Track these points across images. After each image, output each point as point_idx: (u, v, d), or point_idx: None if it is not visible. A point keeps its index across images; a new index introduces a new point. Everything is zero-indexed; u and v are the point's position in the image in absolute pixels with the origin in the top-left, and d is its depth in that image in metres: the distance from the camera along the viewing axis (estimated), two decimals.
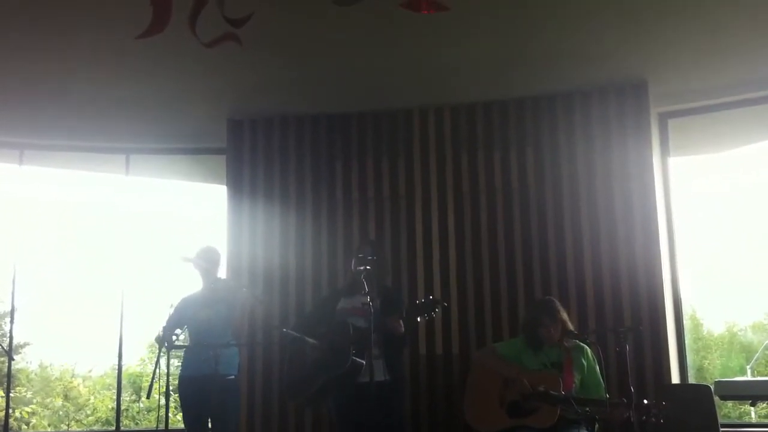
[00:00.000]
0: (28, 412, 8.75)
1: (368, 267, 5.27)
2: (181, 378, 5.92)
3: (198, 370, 5.69)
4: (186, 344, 5.99)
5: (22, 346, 8.35)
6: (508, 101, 6.79)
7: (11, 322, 7.54)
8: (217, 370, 5.56)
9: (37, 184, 8.07)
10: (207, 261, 6.00)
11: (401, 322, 5.25)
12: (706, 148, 7.22)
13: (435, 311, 5.16)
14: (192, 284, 6.13)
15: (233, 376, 5.87)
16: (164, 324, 5.69)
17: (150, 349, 9.13)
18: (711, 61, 6.06)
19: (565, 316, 5.41)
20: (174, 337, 5.64)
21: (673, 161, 6.84)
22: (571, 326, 5.43)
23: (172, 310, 5.84)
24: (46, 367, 9.59)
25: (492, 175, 6.75)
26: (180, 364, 6.03)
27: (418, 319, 5.26)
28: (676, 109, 6.84)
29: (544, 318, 5.39)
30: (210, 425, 5.90)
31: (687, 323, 6.71)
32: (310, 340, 5.46)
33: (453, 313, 6.52)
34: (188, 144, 7.73)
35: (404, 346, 5.67)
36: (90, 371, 9.56)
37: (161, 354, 5.47)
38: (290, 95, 6.72)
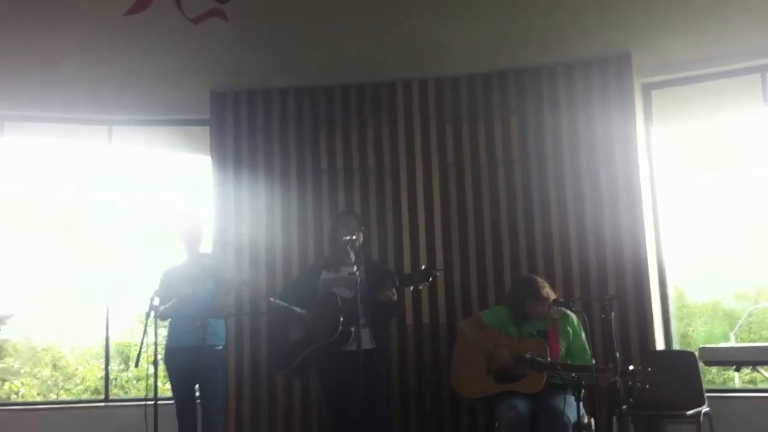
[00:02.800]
0: (17, 386, 8.79)
1: (354, 237, 5.30)
2: (168, 349, 5.93)
3: (185, 341, 5.70)
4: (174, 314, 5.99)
5: (7, 317, 8.34)
6: (492, 74, 6.78)
7: None
8: (204, 340, 5.59)
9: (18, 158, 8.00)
10: (192, 235, 6.02)
11: (394, 290, 5.29)
12: (689, 118, 7.22)
13: (429, 281, 5.19)
14: (175, 255, 6.17)
15: (221, 347, 5.90)
16: (151, 296, 5.70)
17: (138, 320, 9.14)
18: (694, 33, 6.06)
19: (547, 291, 5.42)
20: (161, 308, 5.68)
21: (657, 130, 6.87)
22: (555, 296, 5.46)
23: (157, 285, 5.87)
24: (33, 338, 9.60)
25: (477, 147, 6.76)
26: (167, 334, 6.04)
27: (411, 289, 5.29)
28: (660, 80, 6.84)
29: (527, 299, 5.43)
30: (198, 395, 5.94)
31: (671, 291, 6.77)
32: (298, 310, 5.49)
33: (439, 282, 6.54)
34: (171, 115, 7.67)
35: (394, 315, 5.70)
36: (77, 341, 9.57)
37: (148, 323, 5.48)
38: (273, 67, 6.68)
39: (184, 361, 5.74)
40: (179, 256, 6.10)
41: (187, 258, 6.03)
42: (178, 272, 5.99)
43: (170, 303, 5.83)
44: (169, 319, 5.95)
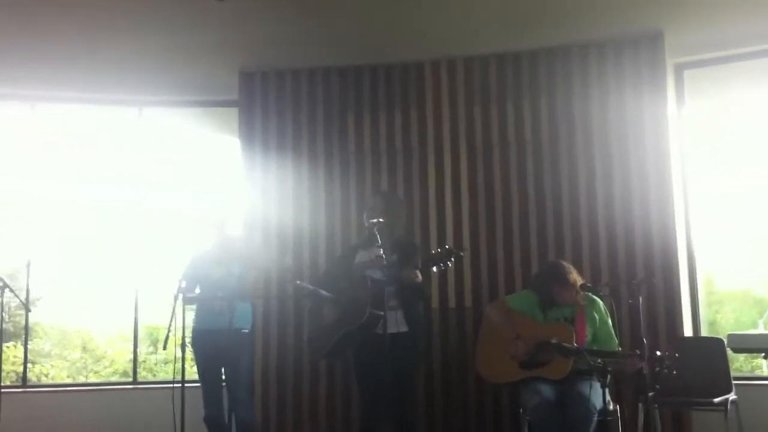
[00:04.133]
0: (47, 368, 8.91)
1: (380, 220, 5.29)
2: (195, 332, 5.97)
3: (212, 323, 5.75)
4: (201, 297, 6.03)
5: (38, 299, 8.43)
6: (522, 53, 6.73)
7: (27, 276, 7.59)
8: (231, 323, 5.62)
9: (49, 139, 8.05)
10: (220, 225, 6.08)
11: (417, 272, 5.28)
12: (723, 99, 7.12)
13: (451, 261, 5.17)
14: (203, 240, 6.23)
15: (247, 330, 5.93)
16: (179, 279, 5.74)
17: (167, 303, 9.22)
18: (728, 12, 5.97)
19: (574, 276, 5.39)
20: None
21: (691, 107, 6.80)
22: (582, 281, 5.42)
23: (185, 269, 5.91)
24: (63, 321, 9.68)
25: (505, 128, 6.71)
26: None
27: (434, 269, 5.28)
28: (692, 60, 6.75)
29: (554, 285, 5.40)
30: (225, 379, 5.97)
31: (700, 277, 6.70)
32: (324, 293, 5.51)
33: (466, 266, 6.54)
34: (200, 96, 7.68)
35: (423, 296, 5.68)
36: (107, 325, 9.64)
37: (176, 306, 5.51)
38: (302, 48, 6.68)
39: (211, 343, 5.78)
40: (207, 242, 6.14)
41: (214, 240, 6.08)
42: (206, 256, 6.04)
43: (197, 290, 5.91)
44: (196, 303, 6.00)
